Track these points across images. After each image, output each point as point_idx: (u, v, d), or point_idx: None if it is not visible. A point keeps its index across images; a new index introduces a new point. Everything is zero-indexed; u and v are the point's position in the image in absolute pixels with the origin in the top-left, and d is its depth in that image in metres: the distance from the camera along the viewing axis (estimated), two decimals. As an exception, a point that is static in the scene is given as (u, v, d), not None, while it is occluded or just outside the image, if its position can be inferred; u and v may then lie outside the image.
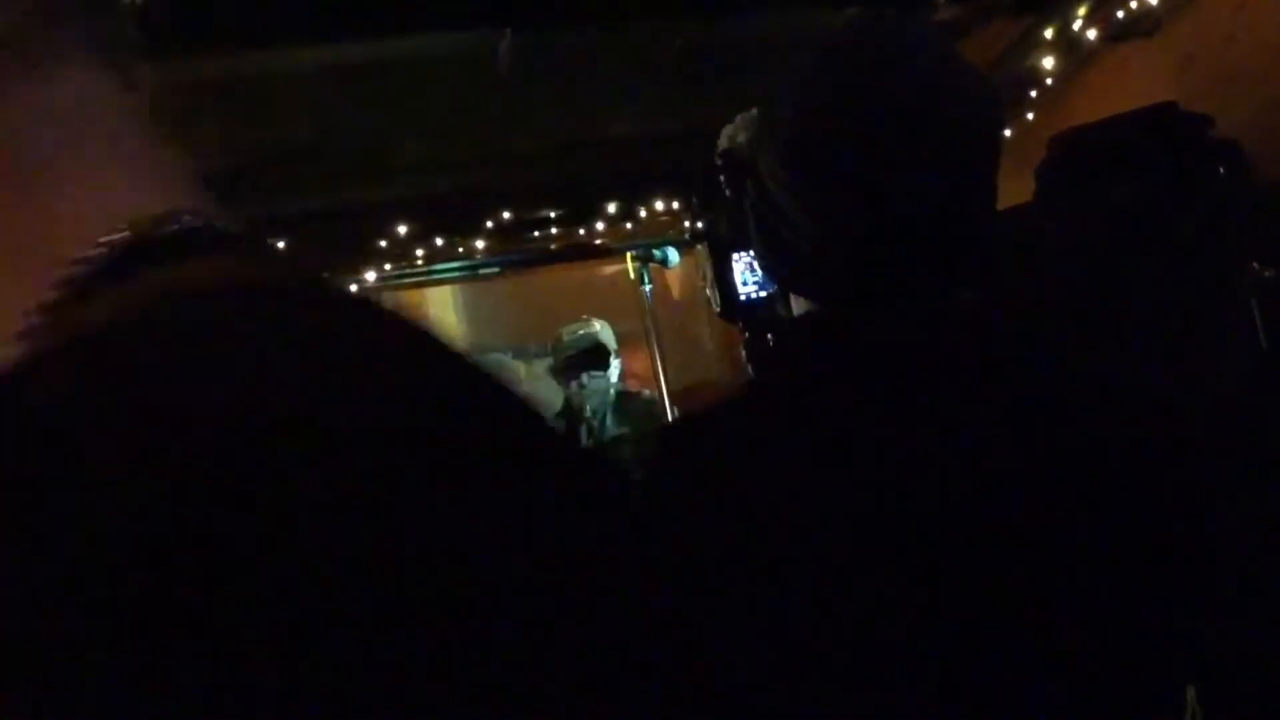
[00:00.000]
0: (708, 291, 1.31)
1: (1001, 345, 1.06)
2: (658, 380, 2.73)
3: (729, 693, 0.91)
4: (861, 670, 0.91)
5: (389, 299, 0.49)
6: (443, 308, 6.32)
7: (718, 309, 1.30)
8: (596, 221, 5.50)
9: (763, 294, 1.27)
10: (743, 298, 1.29)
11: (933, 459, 0.95)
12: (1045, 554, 0.94)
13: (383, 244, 5.36)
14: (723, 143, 1.21)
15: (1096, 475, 0.98)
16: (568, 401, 3.87)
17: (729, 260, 1.28)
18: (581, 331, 3.81)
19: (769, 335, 1.26)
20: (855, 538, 0.92)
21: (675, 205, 5.39)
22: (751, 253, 1.15)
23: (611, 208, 5.42)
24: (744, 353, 1.28)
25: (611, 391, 3.84)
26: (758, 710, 0.90)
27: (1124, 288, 2.70)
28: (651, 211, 5.46)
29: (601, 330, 3.84)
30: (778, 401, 1.02)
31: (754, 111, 1.13)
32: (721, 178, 1.18)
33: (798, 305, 1.09)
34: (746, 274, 1.29)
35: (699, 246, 1.41)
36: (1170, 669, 0.98)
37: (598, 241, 5.57)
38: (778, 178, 1.00)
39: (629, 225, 5.50)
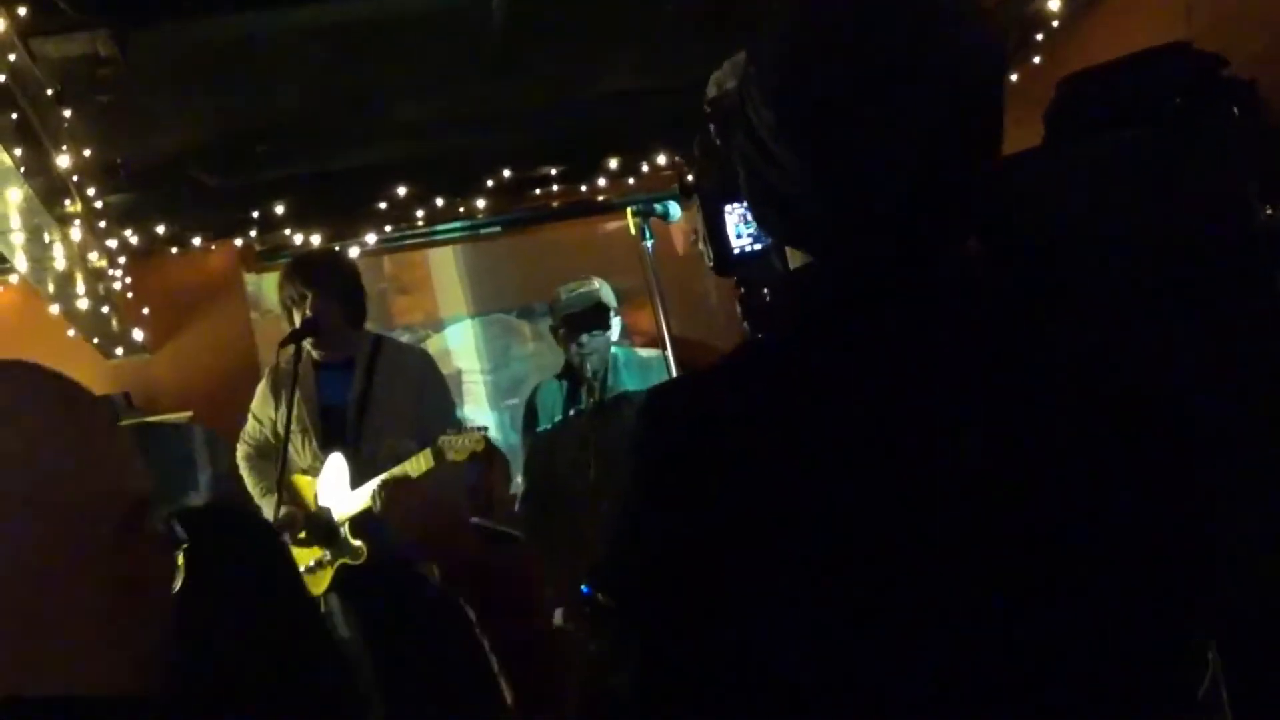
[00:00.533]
0: (700, 246, 1.26)
1: (1004, 303, 1.01)
2: (661, 337, 2.69)
3: (735, 682, 0.87)
4: (863, 661, 0.87)
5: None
6: (445, 269, 6.27)
7: (710, 264, 1.25)
8: (598, 177, 5.44)
9: (757, 247, 1.22)
10: (736, 251, 1.23)
11: (934, 427, 0.91)
12: (1047, 535, 0.90)
13: (383, 206, 5.32)
14: (711, 90, 1.15)
15: (1099, 452, 0.93)
16: (569, 362, 3.82)
17: (721, 212, 1.22)
18: (580, 290, 3.75)
19: (765, 290, 1.21)
20: (852, 512, 0.88)
21: (678, 159, 5.32)
22: (744, 204, 1.09)
23: (613, 163, 5.35)
24: (739, 308, 1.23)
25: (614, 350, 3.79)
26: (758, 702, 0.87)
27: (1134, 233, 2.65)
28: (654, 166, 5.40)
29: (600, 288, 3.78)
30: (774, 364, 0.97)
31: (742, 55, 1.07)
32: (711, 126, 1.13)
33: (793, 258, 1.04)
34: (740, 226, 1.23)
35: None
36: (1172, 666, 0.94)
37: (600, 198, 5.51)
38: (766, 123, 0.95)
39: (631, 180, 5.43)
